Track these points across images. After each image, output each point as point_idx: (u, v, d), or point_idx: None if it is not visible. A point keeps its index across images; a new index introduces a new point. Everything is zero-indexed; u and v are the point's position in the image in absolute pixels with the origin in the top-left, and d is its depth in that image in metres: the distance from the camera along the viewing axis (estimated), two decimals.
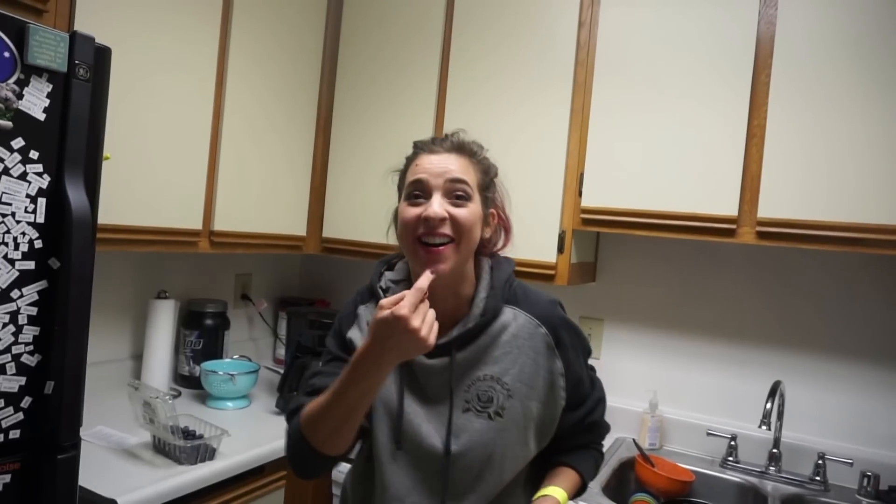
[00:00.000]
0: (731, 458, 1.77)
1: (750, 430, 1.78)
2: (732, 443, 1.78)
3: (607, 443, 1.84)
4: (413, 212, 0.98)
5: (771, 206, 1.53)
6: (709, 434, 1.81)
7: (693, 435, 1.86)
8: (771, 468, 1.71)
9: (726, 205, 1.57)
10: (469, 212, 0.99)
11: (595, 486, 1.53)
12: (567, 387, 1.06)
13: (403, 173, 1.06)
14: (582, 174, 1.75)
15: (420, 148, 1.06)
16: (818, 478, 1.65)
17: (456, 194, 0.99)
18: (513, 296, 1.06)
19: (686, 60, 1.62)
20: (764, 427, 1.54)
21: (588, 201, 1.74)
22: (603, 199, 1.72)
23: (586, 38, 1.76)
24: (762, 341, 1.83)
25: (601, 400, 1.16)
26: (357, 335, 1.07)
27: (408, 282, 1.07)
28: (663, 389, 1.92)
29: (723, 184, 1.57)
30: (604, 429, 1.18)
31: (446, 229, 0.97)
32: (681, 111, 1.62)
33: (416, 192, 1.00)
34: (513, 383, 1.01)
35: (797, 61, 1.50)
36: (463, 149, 1.05)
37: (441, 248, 0.96)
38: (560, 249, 1.76)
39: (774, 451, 1.72)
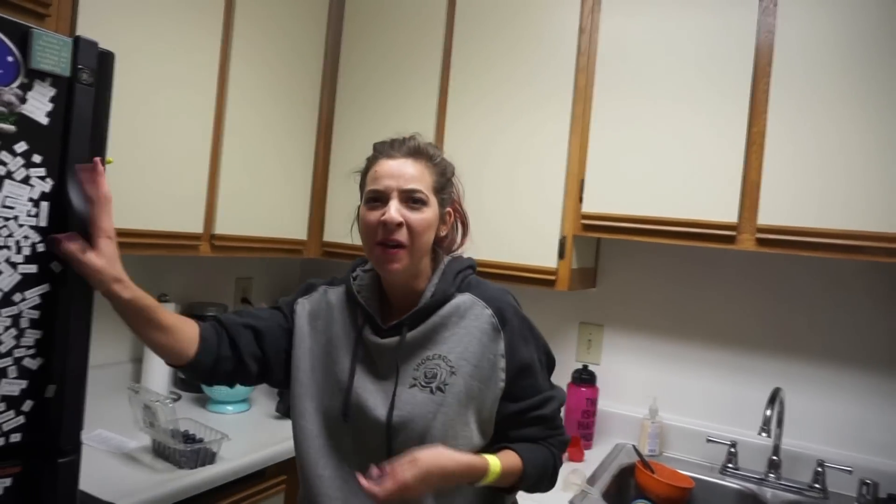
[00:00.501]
0: (730, 465, 1.77)
1: (749, 437, 1.78)
2: (732, 449, 1.78)
3: (606, 448, 1.86)
4: (373, 216, 1.06)
5: (771, 213, 1.53)
6: (709, 441, 1.81)
7: (693, 441, 1.86)
8: (770, 475, 1.71)
9: (726, 211, 1.57)
10: (423, 217, 1.06)
11: (595, 491, 1.53)
12: (508, 370, 1.07)
13: (364, 174, 1.14)
14: (583, 180, 1.76)
15: (379, 151, 1.12)
16: (817, 485, 1.65)
17: (412, 201, 1.06)
18: (466, 285, 1.12)
19: (686, 67, 1.63)
20: (763, 434, 1.54)
21: (589, 207, 1.74)
22: (604, 205, 1.72)
23: (587, 44, 1.77)
24: (762, 348, 1.83)
25: (554, 398, 1.11)
26: (303, 306, 1.18)
27: (374, 275, 1.16)
28: (663, 396, 1.93)
29: (723, 190, 1.58)
30: (557, 431, 1.12)
31: (401, 234, 1.05)
32: (681, 118, 1.63)
33: (375, 197, 1.08)
34: (457, 361, 1.06)
35: (796, 69, 1.51)
36: (419, 153, 1.10)
37: (395, 250, 1.05)
38: (561, 255, 1.77)
39: (774, 458, 1.72)
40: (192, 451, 1.44)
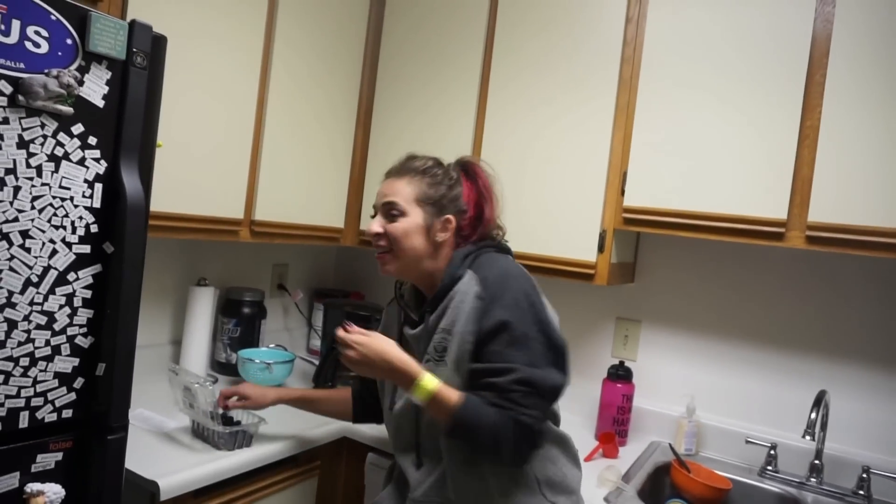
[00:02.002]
0: (770, 468, 1.73)
1: (791, 440, 1.74)
2: (772, 452, 1.74)
3: (641, 446, 1.84)
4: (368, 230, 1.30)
5: (821, 210, 1.48)
6: (748, 442, 1.77)
7: (731, 442, 1.82)
8: (812, 479, 1.67)
9: (775, 207, 1.53)
10: (398, 226, 1.24)
11: (630, 489, 1.51)
12: (476, 332, 1.13)
13: None
14: (625, 173, 1.73)
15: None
16: (862, 492, 1.61)
17: (391, 213, 1.25)
18: (475, 265, 1.21)
19: (737, 59, 1.58)
20: (808, 437, 1.50)
21: (631, 201, 1.71)
22: (646, 198, 1.69)
23: (633, 34, 1.73)
24: (806, 349, 1.78)
25: (514, 371, 1.09)
26: (384, 322, 1.44)
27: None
28: (701, 394, 1.89)
29: (772, 186, 1.53)
30: (512, 405, 1.08)
31: (382, 241, 1.25)
32: (730, 110, 1.59)
33: (373, 213, 1.31)
34: (453, 330, 1.16)
35: (854, 61, 1.45)
36: (404, 170, 1.28)
37: (382, 255, 1.27)
38: (600, 249, 1.74)
39: (816, 462, 1.67)
40: (230, 433, 1.46)
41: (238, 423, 1.52)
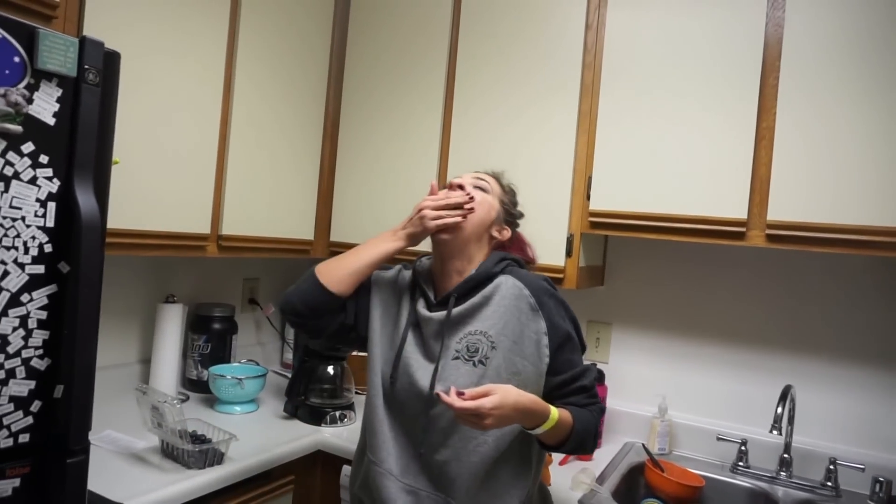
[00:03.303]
0: (741, 464, 1.75)
1: (760, 435, 1.77)
2: (742, 448, 1.76)
3: (615, 447, 1.85)
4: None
5: (780, 209, 1.52)
6: (719, 439, 1.79)
7: (703, 440, 1.85)
8: (782, 473, 1.70)
9: (735, 207, 1.56)
10: (484, 196, 1.25)
11: (605, 490, 1.52)
12: (551, 346, 1.17)
13: None
14: (590, 177, 1.75)
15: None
16: (829, 483, 1.64)
17: (479, 185, 1.27)
18: (508, 270, 1.24)
19: (694, 63, 1.62)
20: (775, 432, 1.53)
21: (596, 204, 1.73)
22: (611, 202, 1.71)
23: (593, 40, 1.75)
24: (772, 345, 1.81)
25: (591, 370, 1.22)
26: (380, 276, 1.34)
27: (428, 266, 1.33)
28: (673, 394, 1.91)
29: (732, 186, 1.56)
30: (596, 399, 1.21)
31: (465, 195, 1.23)
32: (689, 113, 1.62)
33: (447, 186, 1.29)
34: (497, 337, 1.16)
35: (805, 64, 1.49)
36: (496, 175, 1.35)
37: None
38: (568, 253, 1.76)
39: (785, 456, 1.70)
40: (200, 451, 1.44)
41: (208, 440, 1.50)
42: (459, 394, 1.02)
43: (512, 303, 1.18)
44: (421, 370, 1.19)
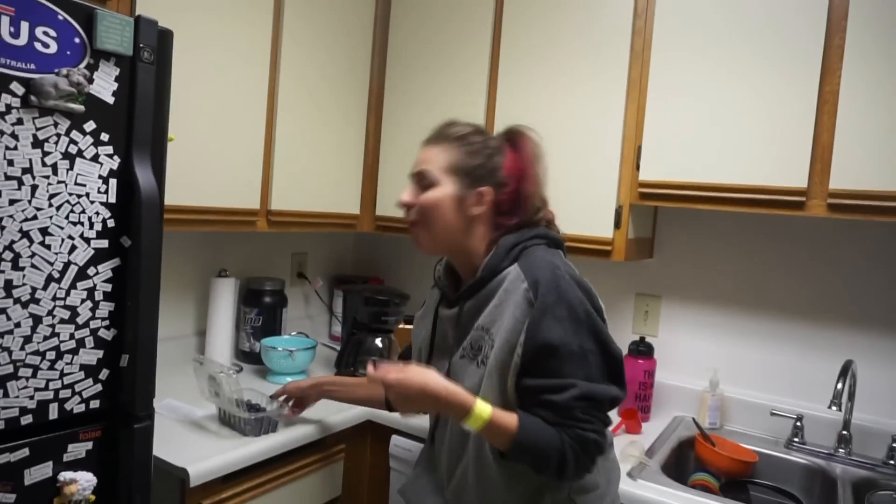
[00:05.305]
0: (796, 439, 1.71)
1: (817, 411, 1.72)
2: (798, 423, 1.72)
3: (665, 421, 1.83)
4: None
5: (843, 177, 1.45)
6: (773, 414, 1.75)
7: (756, 415, 1.81)
8: (840, 450, 1.65)
9: (795, 176, 1.49)
10: (429, 196, 1.14)
11: (654, 464, 1.51)
12: (525, 344, 1.03)
13: None
14: (640, 146, 1.70)
15: None
16: (892, 461, 1.58)
17: (422, 182, 1.16)
18: (521, 257, 1.11)
19: (752, 25, 1.54)
20: (834, 408, 1.48)
21: (646, 175, 1.69)
22: (662, 172, 1.67)
23: (644, 5, 1.69)
24: (831, 319, 1.75)
25: (573, 387, 1.02)
26: (427, 305, 1.33)
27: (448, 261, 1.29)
28: (724, 368, 1.87)
29: (791, 154, 1.50)
30: (572, 423, 1.03)
31: (412, 214, 1.17)
32: (746, 78, 1.55)
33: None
34: (495, 332, 1.08)
35: (873, 22, 1.40)
36: (440, 137, 1.18)
37: (412, 227, 1.18)
38: (617, 225, 1.72)
39: (844, 432, 1.65)
40: (255, 419, 1.49)
41: (263, 409, 1.54)
42: (376, 365, 1.08)
43: (510, 296, 1.07)
44: (437, 368, 1.17)
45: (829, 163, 1.47)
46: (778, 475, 1.67)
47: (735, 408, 1.85)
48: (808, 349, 1.78)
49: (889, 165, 1.40)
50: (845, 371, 1.55)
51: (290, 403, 1.55)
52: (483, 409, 1.02)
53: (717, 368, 1.86)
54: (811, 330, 1.78)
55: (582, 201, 1.77)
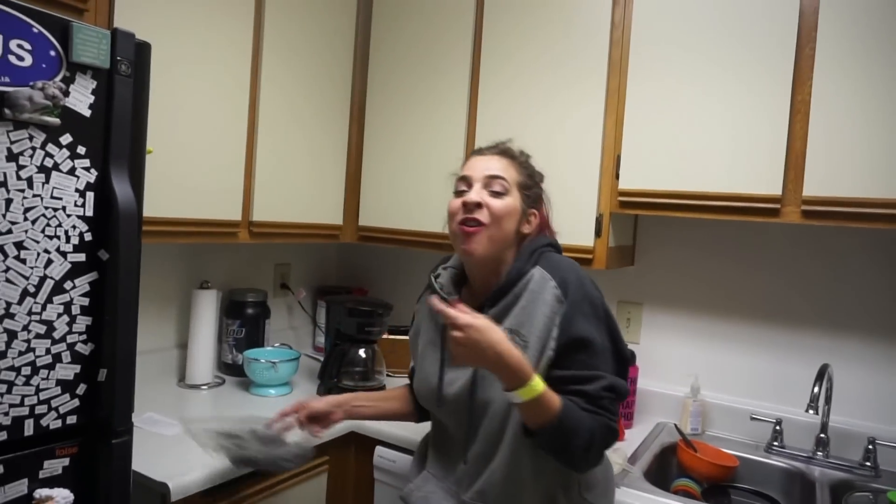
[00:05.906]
0: (776, 443, 1.73)
1: (796, 415, 1.74)
2: (777, 427, 1.74)
3: (647, 427, 1.84)
4: (457, 201, 1.18)
5: (816, 184, 1.48)
6: (752, 418, 1.77)
7: (736, 420, 1.83)
8: (818, 453, 1.67)
9: (769, 184, 1.52)
10: (503, 203, 1.16)
11: (637, 470, 1.52)
12: (559, 339, 1.09)
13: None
14: (619, 156, 1.72)
15: (472, 153, 1.27)
16: (868, 463, 1.61)
17: (493, 189, 1.16)
18: (541, 260, 1.17)
19: (725, 36, 1.57)
20: (811, 411, 1.50)
21: (625, 184, 1.71)
22: (641, 180, 1.69)
23: (621, 16, 1.72)
24: (807, 323, 1.78)
25: (602, 379, 1.08)
26: (418, 312, 1.34)
27: (454, 269, 1.29)
28: (705, 374, 1.89)
29: (766, 162, 1.53)
30: (601, 412, 1.08)
31: (481, 215, 1.14)
32: (720, 88, 1.58)
33: (462, 186, 1.20)
34: (528, 335, 1.11)
35: (842, 33, 1.44)
36: (506, 153, 1.23)
37: (474, 228, 1.14)
38: (597, 233, 1.74)
39: (822, 435, 1.68)
40: (296, 455, 1.37)
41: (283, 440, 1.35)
42: (454, 304, 1.04)
43: (539, 296, 1.12)
44: (457, 384, 1.18)
45: (803, 170, 1.50)
46: (758, 479, 1.69)
47: (716, 413, 1.87)
48: (785, 353, 1.80)
49: (860, 172, 1.43)
50: (822, 375, 1.57)
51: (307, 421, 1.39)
52: (539, 382, 1.03)
53: (698, 374, 1.88)
54: (788, 334, 1.80)
55: (563, 210, 1.75)
